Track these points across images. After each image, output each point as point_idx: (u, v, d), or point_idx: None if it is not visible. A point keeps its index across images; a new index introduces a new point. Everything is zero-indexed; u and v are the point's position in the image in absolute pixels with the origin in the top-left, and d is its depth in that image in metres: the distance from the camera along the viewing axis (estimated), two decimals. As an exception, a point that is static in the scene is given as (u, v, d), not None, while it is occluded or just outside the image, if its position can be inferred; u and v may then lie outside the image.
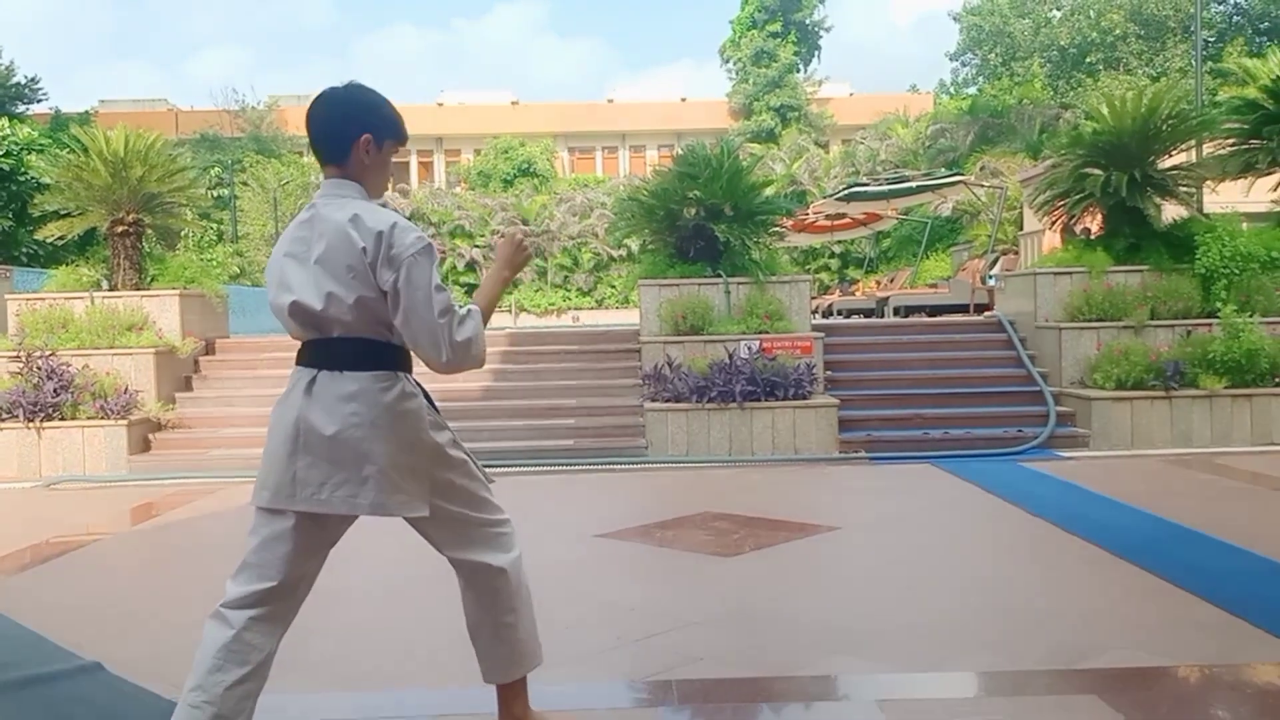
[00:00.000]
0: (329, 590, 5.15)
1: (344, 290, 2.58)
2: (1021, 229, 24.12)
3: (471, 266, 40.23)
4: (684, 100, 52.08)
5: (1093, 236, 11.85)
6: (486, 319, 2.73)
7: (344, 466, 2.62)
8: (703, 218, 11.12)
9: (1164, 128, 11.26)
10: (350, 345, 2.65)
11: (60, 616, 4.75)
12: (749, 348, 10.13)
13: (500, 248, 2.90)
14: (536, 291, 40.30)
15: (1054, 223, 12.40)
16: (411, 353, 2.71)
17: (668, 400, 9.87)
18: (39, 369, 9.84)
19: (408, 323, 2.58)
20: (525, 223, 40.70)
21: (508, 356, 11.75)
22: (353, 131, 2.70)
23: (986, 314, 14.15)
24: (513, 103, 51.43)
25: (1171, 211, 12.07)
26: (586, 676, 3.81)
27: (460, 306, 2.64)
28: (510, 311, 39.06)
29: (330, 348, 2.66)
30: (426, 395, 2.82)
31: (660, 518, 6.75)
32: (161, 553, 6.35)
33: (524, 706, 3.08)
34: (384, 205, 2.72)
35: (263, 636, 2.72)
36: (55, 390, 9.74)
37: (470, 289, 40.55)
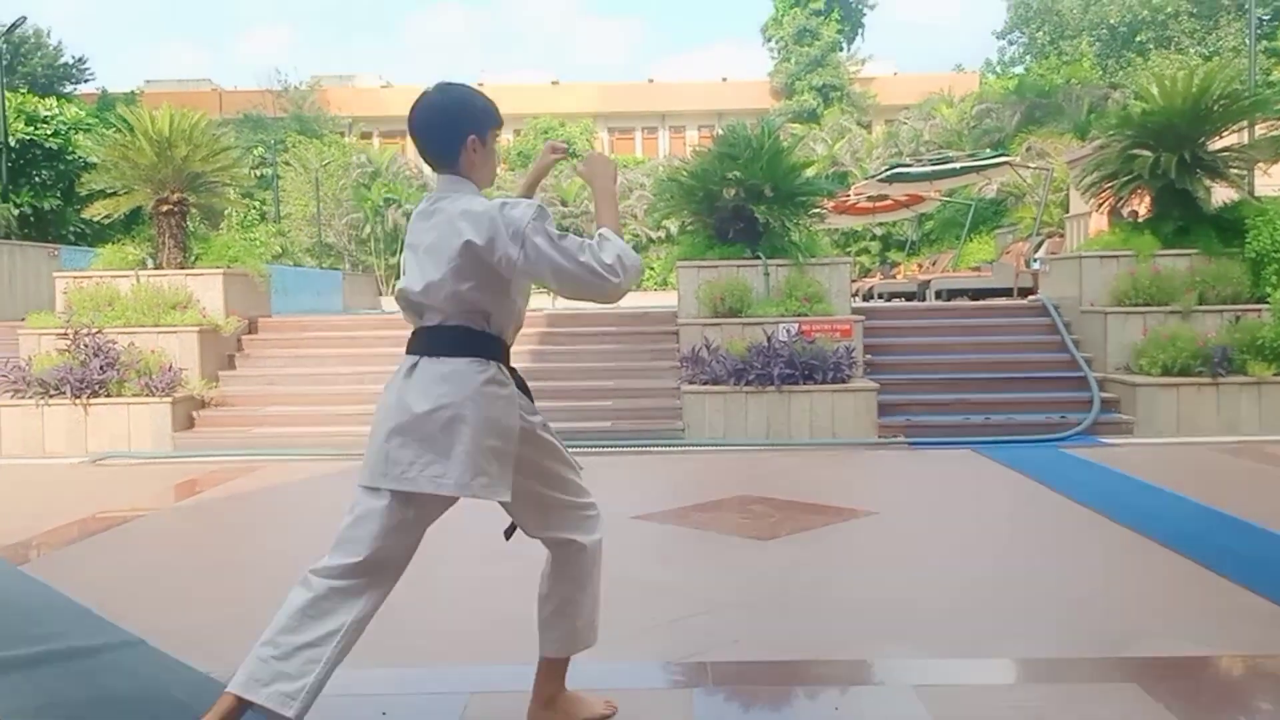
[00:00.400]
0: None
1: (443, 279, 2.71)
2: (1067, 211, 23.80)
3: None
4: (725, 80, 51.78)
5: (1140, 219, 11.65)
6: (617, 234, 2.82)
7: (433, 447, 2.71)
8: (742, 199, 11.05)
9: (1215, 108, 11.03)
10: (449, 332, 2.77)
11: (104, 590, 4.83)
12: (788, 330, 10.08)
13: (592, 165, 3.03)
14: (574, 273, 40.37)
15: (1101, 205, 12.20)
16: (505, 341, 2.85)
17: (705, 383, 9.84)
18: (86, 346, 9.99)
19: (561, 280, 2.71)
20: (564, 203, 40.72)
21: (546, 338, 11.77)
22: (458, 136, 2.84)
23: (1030, 298, 13.97)
24: (553, 83, 51.42)
25: (1222, 194, 11.84)
26: (621, 656, 3.82)
27: (588, 238, 2.76)
28: (549, 293, 39.13)
29: (431, 335, 2.79)
30: (521, 383, 2.90)
31: (697, 500, 6.75)
32: (204, 529, 6.44)
33: (559, 686, 3.14)
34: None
35: (340, 607, 2.83)
36: (101, 367, 9.89)
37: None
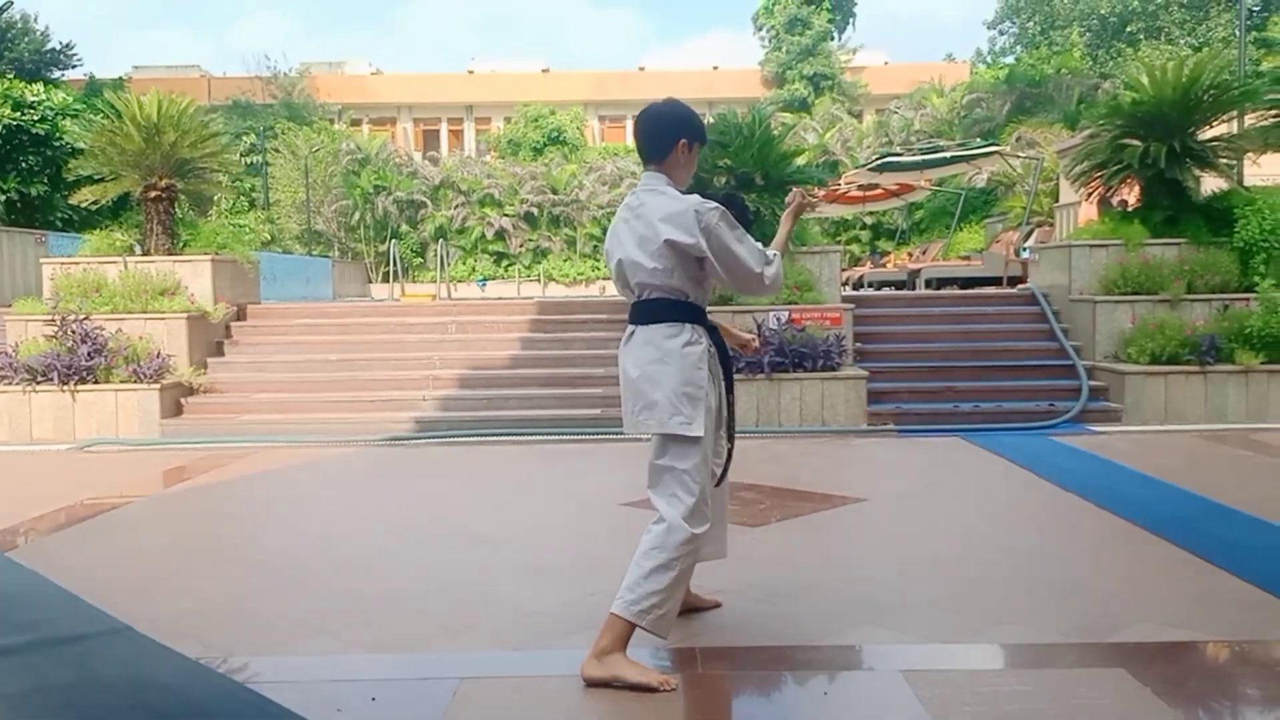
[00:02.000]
0: (363, 556, 5.20)
1: (647, 261, 3.39)
2: (1057, 201, 23.84)
3: (501, 235, 40.24)
4: (716, 69, 51.63)
5: (1130, 209, 11.68)
6: (784, 254, 3.63)
7: (641, 397, 3.40)
8: (733, 187, 11.04)
9: (1205, 98, 11.05)
10: (651, 305, 3.44)
11: (93, 577, 4.82)
12: (778, 318, 10.08)
13: (792, 199, 3.85)
14: (565, 261, 40.25)
15: (1091, 194, 12.23)
16: (702, 306, 3.50)
17: (696, 370, 9.84)
18: (73, 333, 9.95)
19: (732, 275, 3.43)
20: (554, 192, 40.59)
21: (536, 325, 11.76)
22: (673, 138, 3.54)
23: (1020, 286, 14.01)
24: (543, 70, 51.20)
25: (1211, 184, 11.87)
26: (611, 643, 3.82)
27: (768, 252, 3.50)
28: (539, 281, 39.09)
29: (639, 308, 3.48)
30: (720, 345, 3.55)
31: (687, 487, 6.75)
32: (193, 515, 6.43)
33: (613, 644, 3.37)
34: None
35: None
36: (89, 354, 9.85)
37: (499, 256, 40.58)
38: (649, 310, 3.43)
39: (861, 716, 3.18)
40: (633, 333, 3.46)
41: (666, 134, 3.53)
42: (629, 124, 50.92)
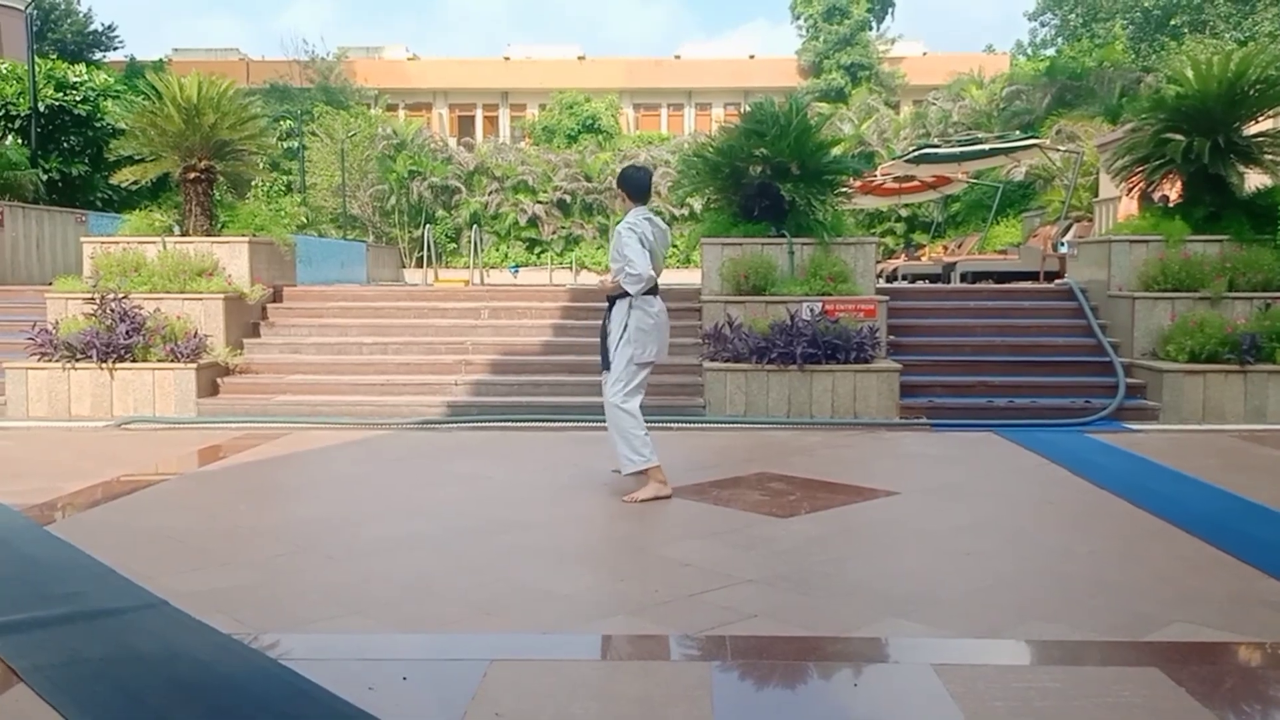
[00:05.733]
0: (395, 538, 5.23)
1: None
2: (1097, 195, 23.54)
3: (534, 222, 40.30)
4: (752, 58, 51.37)
5: (1171, 204, 11.50)
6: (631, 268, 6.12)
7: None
8: (768, 176, 10.98)
9: (1251, 93, 10.85)
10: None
11: (128, 552, 4.88)
12: (811, 309, 10.03)
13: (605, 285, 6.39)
14: (598, 249, 40.24)
15: (1131, 189, 12.04)
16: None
17: (727, 360, 9.82)
18: (112, 311, 10.06)
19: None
20: (588, 179, 40.60)
21: (568, 312, 11.77)
22: (650, 187, 6.39)
23: (1057, 282, 13.84)
24: (579, 57, 51.15)
25: (1255, 180, 11.67)
26: (640, 628, 3.83)
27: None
28: (571, 269, 39.14)
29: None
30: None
31: (716, 477, 6.75)
32: (227, 493, 6.49)
33: (657, 474, 6.09)
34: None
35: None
36: (127, 332, 9.96)
37: (531, 243, 40.67)
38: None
39: (892, 709, 3.17)
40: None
41: (649, 185, 6.49)
42: (664, 112, 50.86)
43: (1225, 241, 10.54)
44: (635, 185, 6.32)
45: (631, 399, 6.07)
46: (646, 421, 6.15)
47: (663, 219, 6.56)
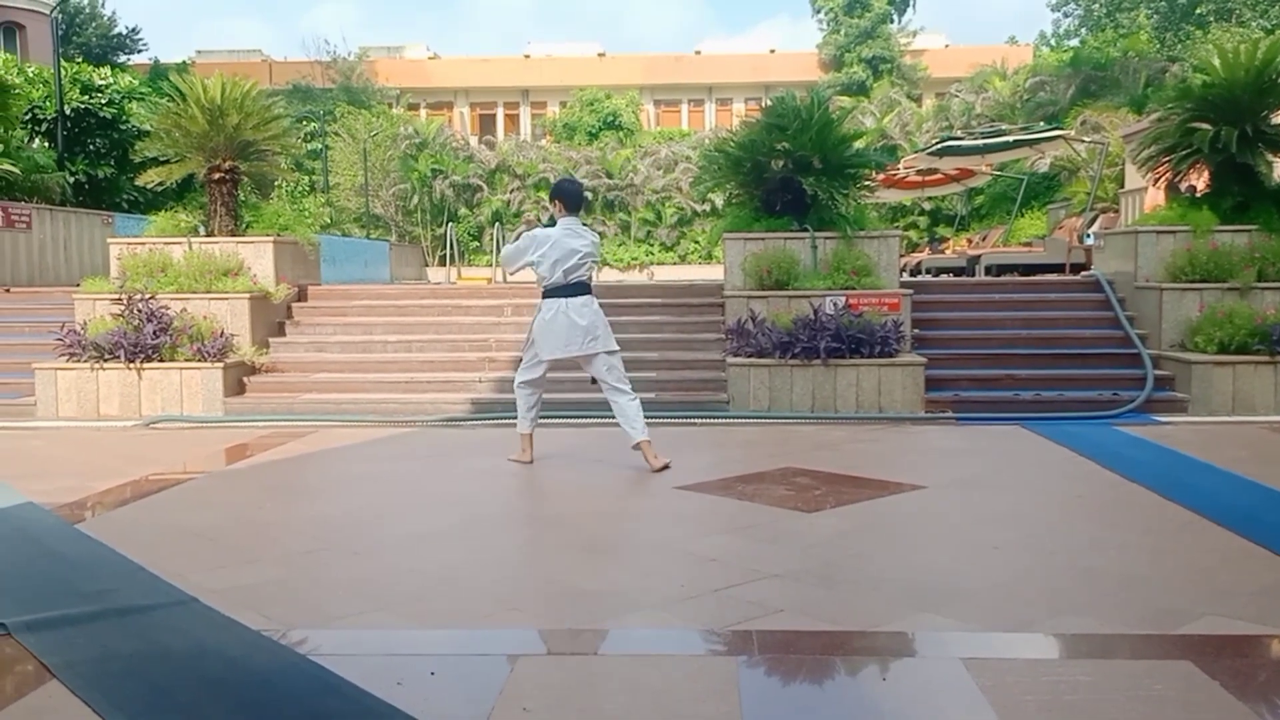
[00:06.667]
0: (421, 533, 5.25)
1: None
2: (1122, 186, 23.34)
3: (555, 220, 40.28)
4: (773, 52, 51.17)
5: (1198, 194, 11.38)
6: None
7: (590, 332, 6.74)
8: (790, 170, 10.94)
9: (1279, 81, 10.73)
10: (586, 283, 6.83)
11: (157, 549, 4.92)
12: (834, 303, 9.98)
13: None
14: (620, 246, 40.23)
15: (1158, 179, 11.93)
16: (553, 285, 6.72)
17: (750, 355, 9.79)
18: (139, 311, 10.14)
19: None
20: (609, 176, 40.59)
21: (591, 308, 11.77)
22: (582, 199, 6.89)
23: (1083, 274, 13.73)
24: (599, 54, 51.14)
25: (1284, 169, 11.54)
26: (667, 623, 3.83)
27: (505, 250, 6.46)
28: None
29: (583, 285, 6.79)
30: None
31: (741, 472, 6.73)
32: (254, 491, 6.53)
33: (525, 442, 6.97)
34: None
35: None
36: (155, 332, 10.04)
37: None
38: (586, 286, 6.80)
39: (920, 704, 3.15)
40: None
41: (582, 197, 7.02)
42: (684, 108, 50.80)
43: (1254, 231, 10.43)
44: (569, 196, 6.83)
45: (524, 387, 7.02)
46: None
47: (591, 229, 7.14)
